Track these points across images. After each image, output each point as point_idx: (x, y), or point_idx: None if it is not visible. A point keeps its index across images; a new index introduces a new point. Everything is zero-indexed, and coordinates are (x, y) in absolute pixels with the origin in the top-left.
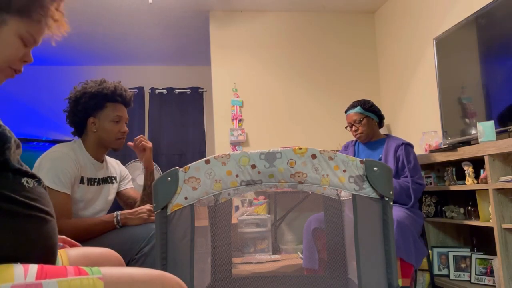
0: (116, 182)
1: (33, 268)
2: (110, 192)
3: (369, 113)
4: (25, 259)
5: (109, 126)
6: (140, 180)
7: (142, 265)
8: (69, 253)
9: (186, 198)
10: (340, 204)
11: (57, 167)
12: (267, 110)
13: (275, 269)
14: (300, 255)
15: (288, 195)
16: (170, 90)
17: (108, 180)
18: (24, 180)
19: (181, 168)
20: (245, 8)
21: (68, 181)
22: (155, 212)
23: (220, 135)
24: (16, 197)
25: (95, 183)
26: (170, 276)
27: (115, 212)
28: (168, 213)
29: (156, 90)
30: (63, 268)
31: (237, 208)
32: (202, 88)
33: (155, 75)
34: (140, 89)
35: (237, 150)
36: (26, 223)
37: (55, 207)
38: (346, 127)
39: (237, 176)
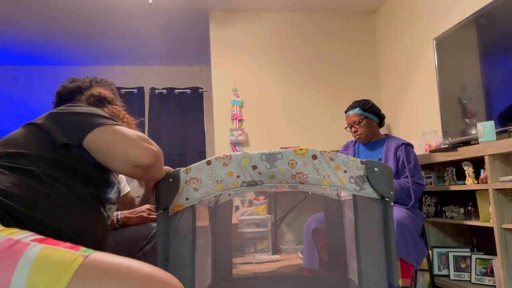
0: None
1: (39, 236)
2: None
3: (369, 114)
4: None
5: None
6: None
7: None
8: None
9: (187, 199)
10: (340, 204)
11: None
12: (267, 110)
13: (275, 269)
14: (300, 255)
15: (288, 195)
16: (170, 90)
17: None
18: (112, 193)
19: (183, 169)
20: (245, 8)
21: None
22: (157, 213)
23: (220, 135)
24: (103, 201)
25: None
26: (161, 278)
27: (115, 212)
28: (169, 214)
29: (156, 90)
30: (60, 243)
31: (237, 208)
32: (202, 88)
33: (155, 75)
34: (140, 89)
35: (237, 150)
36: (100, 220)
37: None
38: (346, 128)
39: (238, 177)
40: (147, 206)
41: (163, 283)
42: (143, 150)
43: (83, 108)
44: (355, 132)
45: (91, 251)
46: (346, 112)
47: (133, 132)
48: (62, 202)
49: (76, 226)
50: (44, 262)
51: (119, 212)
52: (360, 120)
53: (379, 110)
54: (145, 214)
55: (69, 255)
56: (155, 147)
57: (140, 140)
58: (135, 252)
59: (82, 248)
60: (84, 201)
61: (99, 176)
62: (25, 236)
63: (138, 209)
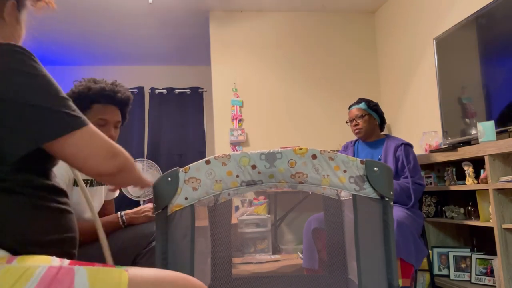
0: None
1: (66, 260)
2: (103, 194)
3: (372, 112)
4: (48, 247)
5: None
6: None
7: (149, 259)
8: None
9: (186, 198)
10: (340, 204)
11: None
12: (267, 110)
13: (275, 269)
14: (300, 255)
15: (288, 195)
16: (170, 90)
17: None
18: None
19: (182, 169)
20: (245, 8)
21: (62, 183)
22: (156, 213)
23: (220, 135)
24: (48, 189)
25: (88, 185)
26: (195, 280)
27: (119, 212)
28: (168, 214)
29: (156, 90)
30: (92, 263)
31: (237, 208)
32: (202, 88)
33: (155, 75)
34: (140, 89)
35: (237, 150)
36: (56, 215)
37: None
38: (346, 122)
39: (237, 176)
40: (150, 205)
41: (200, 286)
42: (104, 163)
43: (28, 84)
44: (355, 125)
45: (120, 266)
46: (349, 107)
47: (98, 141)
48: (41, 208)
49: (63, 228)
50: (98, 284)
51: (123, 212)
52: (363, 115)
53: (382, 113)
54: (150, 213)
55: (114, 271)
56: (120, 159)
57: (102, 151)
58: (142, 248)
59: (115, 266)
60: (54, 197)
61: (51, 161)
62: (58, 260)
63: (143, 207)
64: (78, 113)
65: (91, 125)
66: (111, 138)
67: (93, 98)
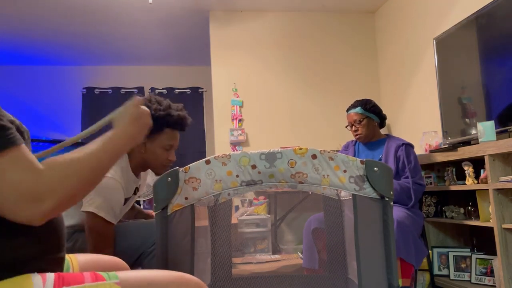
0: (138, 191)
1: (50, 276)
2: (133, 201)
3: (370, 114)
4: (37, 258)
5: (159, 152)
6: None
7: (152, 259)
8: (78, 259)
9: (186, 198)
10: (340, 204)
11: (111, 199)
12: (267, 110)
13: (275, 269)
14: (300, 255)
15: (288, 195)
16: (170, 90)
17: (135, 191)
18: None
19: (182, 168)
20: (245, 8)
21: (118, 211)
22: (155, 212)
23: (220, 135)
24: None
25: (129, 200)
26: (190, 277)
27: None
28: (168, 213)
29: (156, 90)
30: (80, 275)
31: (237, 208)
32: (202, 88)
33: (155, 75)
34: (140, 89)
35: (237, 150)
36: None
37: (103, 235)
38: (346, 126)
39: (237, 176)
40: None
41: (195, 283)
42: (21, 210)
43: None
44: (355, 131)
45: (112, 274)
46: (347, 110)
47: (10, 177)
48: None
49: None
50: None
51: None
52: (361, 120)
53: (380, 111)
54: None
55: (104, 287)
56: (49, 202)
57: (12, 196)
58: (148, 247)
59: (105, 275)
60: None
61: None
62: (37, 282)
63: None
64: None
65: (11, 152)
66: (171, 161)
67: (169, 123)
